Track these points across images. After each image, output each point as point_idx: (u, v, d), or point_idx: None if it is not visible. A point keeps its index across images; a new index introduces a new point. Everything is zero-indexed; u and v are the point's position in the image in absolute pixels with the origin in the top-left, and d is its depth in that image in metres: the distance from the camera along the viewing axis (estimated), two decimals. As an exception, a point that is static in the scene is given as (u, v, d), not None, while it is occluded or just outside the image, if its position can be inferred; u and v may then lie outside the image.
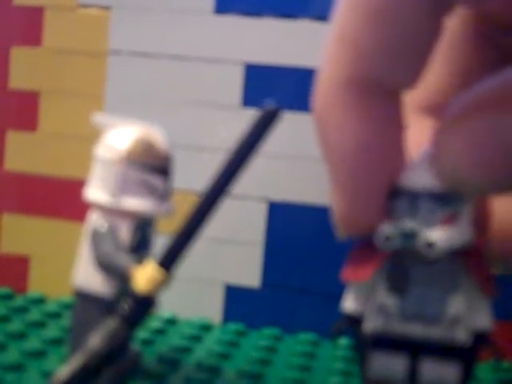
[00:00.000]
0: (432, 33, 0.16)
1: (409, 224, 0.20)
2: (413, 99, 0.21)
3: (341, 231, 0.20)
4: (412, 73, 0.17)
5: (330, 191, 0.19)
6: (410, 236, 0.20)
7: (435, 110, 0.22)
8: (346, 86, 0.17)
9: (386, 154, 0.18)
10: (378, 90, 0.17)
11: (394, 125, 0.18)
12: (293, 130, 0.36)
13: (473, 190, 0.18)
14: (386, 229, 0.20)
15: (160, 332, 0.35)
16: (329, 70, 0.17)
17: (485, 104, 0.16)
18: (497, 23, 0.20)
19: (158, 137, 0.27)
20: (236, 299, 0.38)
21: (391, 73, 0.17)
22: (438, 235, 0.20)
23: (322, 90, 0.18)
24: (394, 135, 0.18)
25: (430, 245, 0.20)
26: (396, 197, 0.20)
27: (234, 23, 0.37)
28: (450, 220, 0.20)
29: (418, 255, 0.20)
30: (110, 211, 0.27)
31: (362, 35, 0.16)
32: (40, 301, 0.38)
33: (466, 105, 0.17)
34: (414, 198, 0.20)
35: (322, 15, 0.36)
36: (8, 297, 0.38)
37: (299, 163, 0.37)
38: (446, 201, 0.20)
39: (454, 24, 0.21)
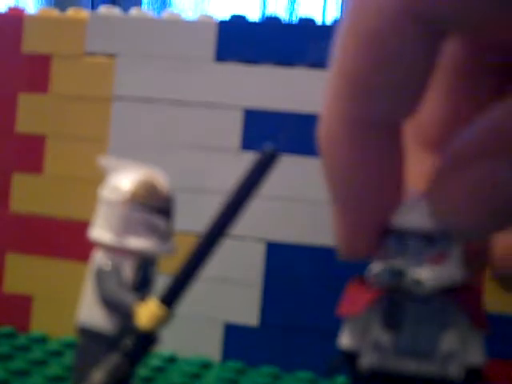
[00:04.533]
0: (429, 63, 0.17)
1: (397, 262, 0.21)
2: (409, 132, 0.22)
3: (341, 255, 0.21)
4: (410, 105, 0.18)
5: (332, 218, 0.20)
6: (397, 274, 0.21)
7: (431, 143, 0.22)
8: (346, 121, 0.18)
9: (385, 187, 0.19)
10: (378, 123, 0.18)
11: (393, 157, 0.19)
12: (290, 173, 0.38)
13: (466, 232, 0.19)
14: (376, 266, 0.21)
15: (160, 370, 0.36)
16: (330, 105, 0.18)
17: (475, 153, 0.17)
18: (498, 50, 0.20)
19: (161, 179, 0.28)
20: (235, 338, 0.38)
21: (391, 107, 0.17)
22: (425, 274, 0.21)
23: (326, 125, 0.18)
24: (393, 168, 0.19)
25: (418, 283, 0.21)
26: (385, 235, 0.21)
27: (234, 70, 0.39)
28: (438, 259, 0.21)
29: (410, 292, 0.21)
30: (113, 250, 0.27)
31: (360, 71, 0.17)
32: (42, 340, 0.39)
33: (456, 153, 0.18)
34: (402, 237, 0.21)
35: (316, 63, 0.38)
36: (11, 335, 0.39)
37: (296, 205, 0.38)
38: (434, 241, 0.21)
39: (448, 58, 0.21)
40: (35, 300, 0.41)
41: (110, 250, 0.28)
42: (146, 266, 0.28)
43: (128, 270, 0.28)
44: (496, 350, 0.26)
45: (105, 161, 0.29)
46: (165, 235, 0.28)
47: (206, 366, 0.37)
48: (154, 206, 0.27)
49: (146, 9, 1.20)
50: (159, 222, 0.28)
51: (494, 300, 0.33)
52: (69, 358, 0.35)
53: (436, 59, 0.17)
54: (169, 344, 0.37)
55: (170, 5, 1.33)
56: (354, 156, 0.18)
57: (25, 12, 0.42)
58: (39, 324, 0.40)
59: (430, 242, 0.21)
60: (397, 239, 0.21)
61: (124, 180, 0.28)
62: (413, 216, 0.21)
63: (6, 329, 0.39)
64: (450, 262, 0.21)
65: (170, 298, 0.27)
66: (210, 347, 0.38)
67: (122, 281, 0.27)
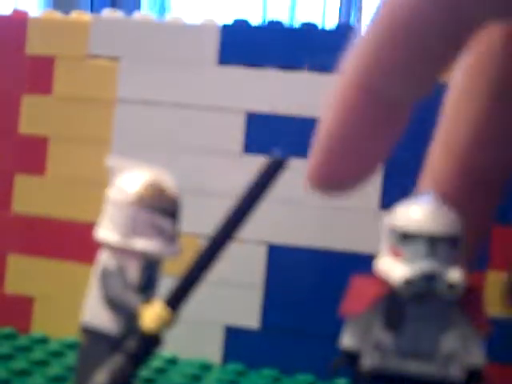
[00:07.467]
0: (450, 53, 0.17)
1: (429, 266, 0.21)
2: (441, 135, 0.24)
3: (313, 185, 0.22)
4: (421, 88, 0.19)
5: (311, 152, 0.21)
6: (431, 278, 0.21)
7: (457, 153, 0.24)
8: (354, 88, 0.19)
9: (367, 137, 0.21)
10: (384, 99, 0.19)
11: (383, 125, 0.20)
12: (292, 176, 0.38)
13: None
14: (405, 272, 0.21)
15: (161, 371, 0.36)
16: (345, 74, 0.19)
17: None
18: None
19: (168, 181, 0.29)
20: (236, 340, 0.38)
21: (401, 87, 0.18)
22: (458, 276, 0.21)
23: (337, 88, 0.20)
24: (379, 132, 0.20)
25: (452, 286, 0.21)
26: (409, 240, 0.21)
27: (237, 74, 0.39)
28: (460, 261, 0.21)
29: (441, 296, 0.21)
30: (119, 251, 0.28)
31: (381, 52, 0.18)
32: (43, 340, 0.39)
33: None
34: (430, 241, 0.21)
35: (321, 67, 0.38)
36: (12, 336, 0.39)
37: (299, 208, 0.38)
38: (457, 243, 0.21)
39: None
40: (36, 301, 0.41)
41: (116, 250, 0.28)
42: (151, 267, 0.28)
43: (133, 271, 0.28)
44: (496, 354, 0.26)
45: (112, 161, 0.29)
46: (171, 237, 0.28)
47: (206, 367, 0.37)
48: (160, 207, 0.28)
49: (146, 12, 1.20)
50: (165, 223, 0.28)
51: (496, 303, 0.33)
52: (70, 358, 0.35)
53: (456, 44, 0.17)
54: (170, 345, 0.37)
55: (168, 9, 1.34)
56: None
57: (28, 15, 0.42)
58: (40, 325, 0.40)
59: (455, 245, 0.21)
60: (423, 243, 0.21)
61: (132, 181, 0.28)
62: (440, 221, 0.21)
63: (7, 330, 0.39)
64: (462, 263, 0.21)
65: (175, 301, 0.27)
66: (211, 349, 0.38)
67: (127, 282, 0.28)
